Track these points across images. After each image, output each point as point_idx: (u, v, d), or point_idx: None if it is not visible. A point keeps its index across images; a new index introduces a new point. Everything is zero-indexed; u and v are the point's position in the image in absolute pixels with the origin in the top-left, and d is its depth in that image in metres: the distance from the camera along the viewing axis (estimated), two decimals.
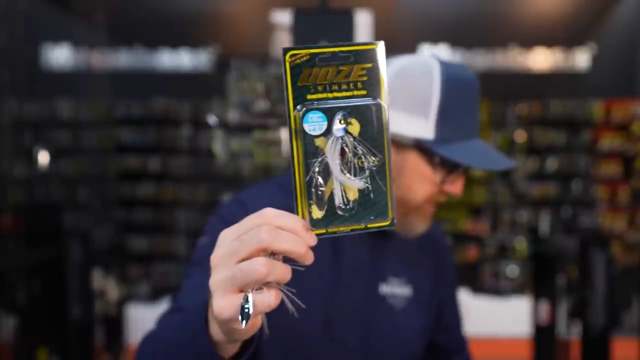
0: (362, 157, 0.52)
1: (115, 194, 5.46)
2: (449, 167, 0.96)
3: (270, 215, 0.52)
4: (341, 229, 0.53)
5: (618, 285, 4.60)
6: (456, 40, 5.79)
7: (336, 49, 0.52)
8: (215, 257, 0.54)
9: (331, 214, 0.53)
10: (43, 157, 4.94)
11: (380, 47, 0.53)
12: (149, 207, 5.53)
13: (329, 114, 0.52)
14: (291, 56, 0.52)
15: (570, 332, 3.44)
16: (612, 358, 3.15)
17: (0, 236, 3.45)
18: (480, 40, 5.81)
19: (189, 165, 5.55)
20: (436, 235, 1.17)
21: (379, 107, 0.53)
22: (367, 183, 0.53)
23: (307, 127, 0.52)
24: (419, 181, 0.97)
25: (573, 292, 3.40)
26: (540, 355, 3.64)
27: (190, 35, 5.77)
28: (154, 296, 5.12)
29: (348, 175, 0.52)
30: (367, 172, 0.53)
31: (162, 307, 4.77)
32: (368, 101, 0.53)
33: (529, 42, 5.80)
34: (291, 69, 0.52)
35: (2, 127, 4.11)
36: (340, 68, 0.53)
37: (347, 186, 0.53)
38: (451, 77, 0.94)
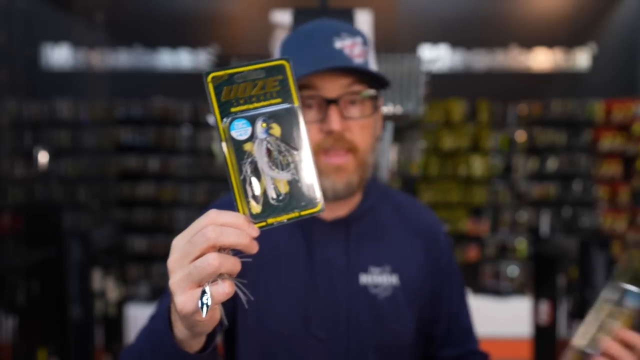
0: (286, 153, 0.60)
1: (115, 194, 5.46)
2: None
3: (213, 215, 0.58)
4: (279, 219, 0.60)
5: None
6: (456, 40, 5.78)
7: (249, 68, 0.61)
8: (171, 262, 0.60)
9: (268, 207, 0.60)
10: (43, 157, 4.94)
11: (287, 62, 0.62)
12: (149, 207, 5.53)
13: (252, 120, 0.60)
14: (212, 78, 0.60)
15: (571, 333, 3.43)
16: None
17: None
18: (480, 40, 5.80)
19: (188, 165, 5.55)
20: (431, 225, 1.13)
21: (292, 110, 0.61)
22: (294, 175, 0.60)
23: (235, 134, 0.59)
24: None
25: (573, 293, 3.40)
26: (541, 355, 3.64)
27: (190, 35, 5.76)
28: (153, 296, 5.12)
29: (276, 170, 0.60)
30: (292, 165, 0.60)
31: None
32: (283, 106, 0.61)
33: (529, 42, 5.80)
34: (214, 88, 0.60)
35: (2, 127, 4.10)
36: (256, 82, 0.61)
37: (277, 180, 0.60)
38: (290, 35, 1.00)
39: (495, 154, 5.61)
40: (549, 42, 5.80)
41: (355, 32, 0.99)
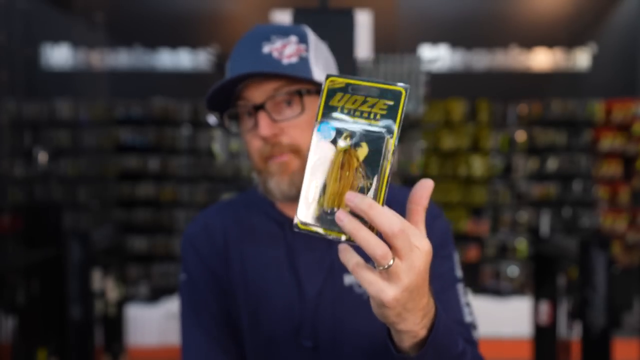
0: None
1: (115, 194, 5.46)
2: (228, 111, 0.98)
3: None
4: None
5: (618, 286, 4.60)
6: (456, 40, 5.78)
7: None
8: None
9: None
10: (42, 157, 4.93)
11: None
12: (149, 207, 5.52)
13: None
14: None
15: (571, 333, 3.43)
16: (613, 359, 3.14)
17: None
18: (480, 40, 5.80)
19: (188, 165, 5.55)
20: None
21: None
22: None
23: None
24: (248, 142, 0.98)
25: (573, 293, 3.40)
26: (541, 355, 3.64)
27: (190, 35, 5.76)
28: (153, 296, 5.12)
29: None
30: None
31: (161, 307, 4.77)
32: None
33: (529, 42, 5.79)
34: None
35: (2, 127, 4.10)
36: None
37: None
38: (235, 44, 0.99)
39: (495, 154, 5.61)
40: (549, 42, 5.80)
41: (289, 32, 0.96)
